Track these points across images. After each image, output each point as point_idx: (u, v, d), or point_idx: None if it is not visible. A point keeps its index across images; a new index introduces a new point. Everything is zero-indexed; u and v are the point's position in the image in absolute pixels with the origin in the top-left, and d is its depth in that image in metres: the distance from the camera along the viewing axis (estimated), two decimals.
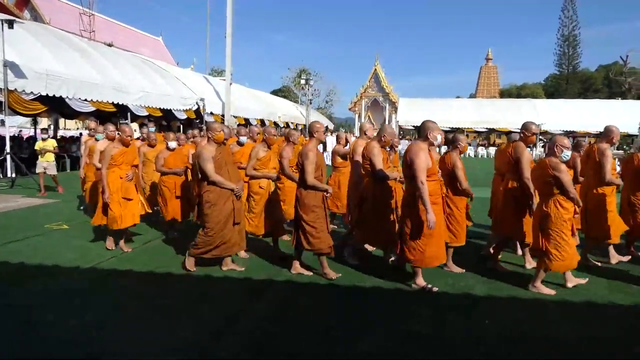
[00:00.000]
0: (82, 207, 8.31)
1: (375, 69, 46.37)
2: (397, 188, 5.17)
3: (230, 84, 21.24)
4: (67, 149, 17.10)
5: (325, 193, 4.72)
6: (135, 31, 40.39)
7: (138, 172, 6.22)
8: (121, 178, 5.50)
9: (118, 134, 5.83)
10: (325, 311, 3.97)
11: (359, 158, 5.34)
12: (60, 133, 23.50)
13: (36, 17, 28.27)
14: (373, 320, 3.75)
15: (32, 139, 18.68)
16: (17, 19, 13.08)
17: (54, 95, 12.95)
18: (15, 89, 11.75)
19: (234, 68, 21.67)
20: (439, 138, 4.30)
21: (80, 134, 20.96)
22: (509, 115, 32.65)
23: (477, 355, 3.22)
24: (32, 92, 12.29)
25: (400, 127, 33.59)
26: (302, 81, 33.13)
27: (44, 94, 12.60)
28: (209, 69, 42.06)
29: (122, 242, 5.67)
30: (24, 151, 15.24)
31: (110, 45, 22.09)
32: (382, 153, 4.99)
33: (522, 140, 5.03)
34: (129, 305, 4.02)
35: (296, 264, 4.89)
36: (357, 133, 42.55)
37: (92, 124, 8.18)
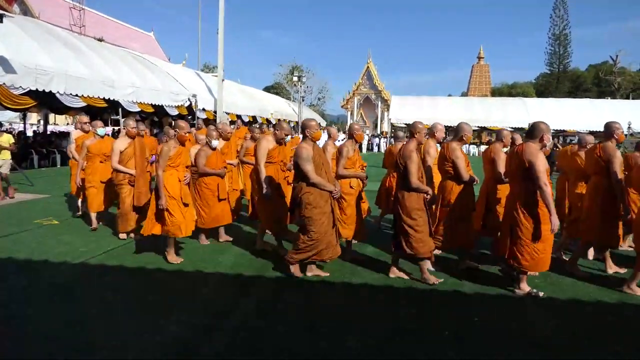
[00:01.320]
0: (78, 213, 7.39)
1: (368, 67, 46.42)
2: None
3: (223, 80, 21.17)
4: (58, 144, 16.96)
5: (426, 195, 4.49)
6: (126, 26, 40.04)
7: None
8: (180, 181, 5.01)
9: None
10: (314, 307, 4.00)
11: (430, 160, 5.25)
12: (50, 128, 23.30)
13: (26, 11, 27.92)
14: (362, 317, 3.79)
15: (22, 134, 18.53)
16: (6, 13, 12.97)
17: (43, 90, 12.86)
18: (4, 83, 11.66)
19: (225, 64, 21.57)
20: (551, 140, 4.25)
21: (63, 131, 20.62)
22: (500, 113, 32.92)
23: (463, 353, 3.27)
24: (21, 87, 12.20)
25: (392, 125, 33.67)
26: (295, 78, 33.10)
27: (33, 88, 12.51)
28: (202, 65, 41.88)
29: (172, 253, 5.09)
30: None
31: (100, 40, 21.90)
32: (464, 155, 4.90)
33: (615, 140, 4.76)
34: (117, 301, 4.01)
35: (394, 268, 4.73)
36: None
37: (84, 118, 7.44)
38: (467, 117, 32.83)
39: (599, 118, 31.25)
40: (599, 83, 56.40)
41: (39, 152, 15.64)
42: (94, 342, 3.25)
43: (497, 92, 62.74)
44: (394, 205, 4.63)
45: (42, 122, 20.77)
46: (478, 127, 33.53)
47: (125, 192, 5.88)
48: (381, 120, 45.89)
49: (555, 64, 61.10)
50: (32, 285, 4.30)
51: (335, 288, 4.44)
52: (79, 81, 14.11)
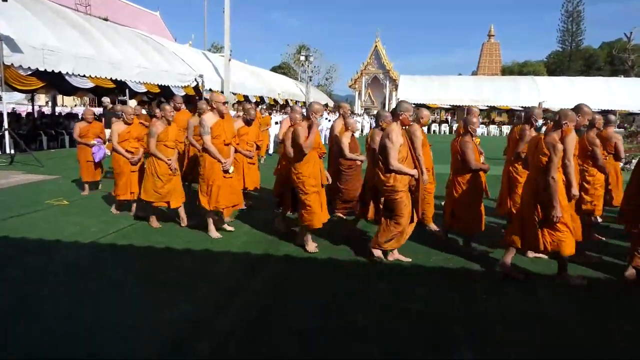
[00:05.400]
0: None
1: (376, 46, 45.84)
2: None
3: (229, 60, 21.00)
4: (66, 125, 17.00)
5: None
6: (132, 5, 39.66)
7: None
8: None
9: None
10: (322, 287, 4.01)
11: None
12: (57, 109, 23.37)
13: None
14: (370, 297, 3.80)
15: (31, 115, 18.60)
16: None
17: (52, 71, 12.84)
18: (12, 64, 11.63)
19: (232, 45, 21.38)
20: None
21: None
22: (511, 92, 32.47)
23: (472, 330, 3.27)
24: (29, 68, 12.18)
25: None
26: (302, 57, 32.78)
27: (41, 69, 12.48)
28: (209, 45, 41.52)
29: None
30: (22, 127, 15.18)
31: (106, 19, 21.74)
32: None
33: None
34: (127, 279, 4.05)
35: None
36: (358, 110, 42.28)
37: (221, 96, 5.37)
38: (476, 97, 32.49)
39: (611, 97, 30.84)
40: (612, 61, 55.24)
41: (47, 133, 15.70)
42: (106, 320, 3.28)
43: (507, 71, 61.77)
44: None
45: (50, 103, 20.81)
46: (487, 106, 33.16)
47: (404, 200, 4.42)
48: (389, 100, 45.49)
49: (568, 41, 59.94)
50: (44, 265, 4.35)
51: (345, 267, 4.45)
52: (87, 62, 14.06)
